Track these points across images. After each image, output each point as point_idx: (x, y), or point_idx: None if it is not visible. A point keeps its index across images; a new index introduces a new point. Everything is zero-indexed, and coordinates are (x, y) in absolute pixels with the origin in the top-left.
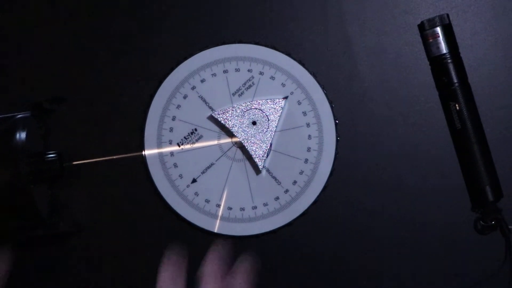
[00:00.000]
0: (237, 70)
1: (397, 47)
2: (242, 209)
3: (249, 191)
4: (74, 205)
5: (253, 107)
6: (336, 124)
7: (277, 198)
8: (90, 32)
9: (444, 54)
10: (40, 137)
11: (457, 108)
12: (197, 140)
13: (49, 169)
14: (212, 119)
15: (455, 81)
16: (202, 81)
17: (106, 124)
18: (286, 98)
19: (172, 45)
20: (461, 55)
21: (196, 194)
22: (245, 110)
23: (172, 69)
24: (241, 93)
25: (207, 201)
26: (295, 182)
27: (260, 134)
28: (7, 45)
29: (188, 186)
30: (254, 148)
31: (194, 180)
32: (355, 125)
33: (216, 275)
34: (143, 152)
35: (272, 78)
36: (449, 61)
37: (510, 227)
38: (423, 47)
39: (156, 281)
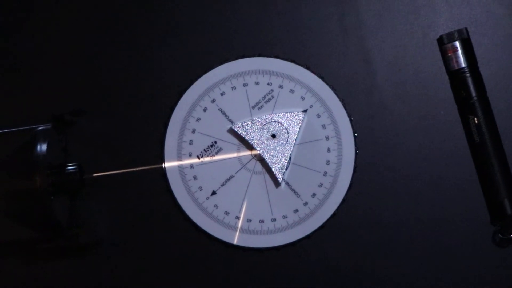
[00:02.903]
0: (257, 83)
1: (416, 61)
2: (262, 221)
3: (269, 203)
4: (94, 217)
5: (272, 120)
6: (355, 137)
7: (296, 211)
8: (111, 45)
9: (463, 68)
10: (60, 149)
11: (476, 121)
12: (216, 153)
13: (69, 181)
14: (232, 132)
15: (474, 94)
16: (222, 94)
17: (126, 137)
18: (305, 111)
19: (192, 58)
20: (480, 69)
21: (216, 206)
22: (264, 123)
23: (192, 82)
24: (261, 106)
25: (226, 213)
26: (314, 194)
27: (280, 147)
28: (28, 58)
29: (207, 198)
30: (273, 161)
31: (213, 193)
32: (374, 138)
33: None
34: (163, 165)
35: (292, 91)
36: (467, 75)
37: None
38: (442, 61)
39: None
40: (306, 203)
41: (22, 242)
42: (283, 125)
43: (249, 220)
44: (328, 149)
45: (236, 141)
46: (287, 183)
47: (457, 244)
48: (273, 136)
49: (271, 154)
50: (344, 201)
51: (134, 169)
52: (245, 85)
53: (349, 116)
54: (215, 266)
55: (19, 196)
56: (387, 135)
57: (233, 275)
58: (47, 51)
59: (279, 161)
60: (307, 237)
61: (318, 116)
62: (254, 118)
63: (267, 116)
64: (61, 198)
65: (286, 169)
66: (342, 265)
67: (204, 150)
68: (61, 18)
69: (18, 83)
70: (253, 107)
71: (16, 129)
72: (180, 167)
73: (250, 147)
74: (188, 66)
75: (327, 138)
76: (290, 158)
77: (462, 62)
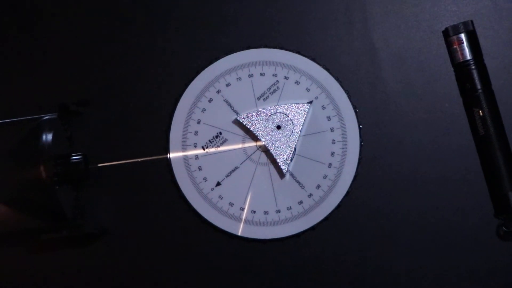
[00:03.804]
0: (262, 74)
1: (421, 53)
2: (266, 212)
3: (273, 194)
4: (98, 207)
5: (277, 111)
6: (360, 129)
7: (300, 202)
8: (117, 36)
9: (468, 60)
10: (65, 139)
11: (481, 114)
12: (221, 144)
13: (74, 170)
14: (237, 122)
15: (479, 87)
16: (227, 85)
17: (131, 127)
18: (310, 102)
19: (197, 49)
20: (485, 61)
21: (220, 197)
22: (269, 114)
23: (197, 72)
24: (266, 97)
25: (231, 204)
26: (318, 186)
27: (285, 138)
28: (34, 48)
29: (212, 189)
30: (278, 152)
31: (218, 183)
32: (379, 130)
33: None
34: (168, 155)
35: (297, 82)
36: (473, 67)
37: None
38: (447, 53)
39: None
40: (310, 195)
41: (26, 232)
42: (288, 116)
43: (253, 211)
44: (333, 140)
45: (241, 132)
46: (291, 174)
47: (461, 237)
48: (278, 127)
49: (276, 145)
50: (348, 193)
51: (139, 160)
52: (250, 76)
53: (354, 107)
54: (219, 257)
55: (24, 186)
56: (392, 127)
57: (237, 266)
58: (53, 41)
59: (284, 152)
60: (312, 228)
61: (323, 107)
62: (259, 109)
63: (272, 107)
64: (66, 188)
65: (291, 160)
66: (346, 257)
67: (209, 141)
68: (67, 8)
69: (23, 72)
70: (258, 98)
71: (22, 118)
72: (185, 158)
73: (255, 138)
74: (194, 57)
75: (332, 129)
76: (295, 149)
77: (468, 55)
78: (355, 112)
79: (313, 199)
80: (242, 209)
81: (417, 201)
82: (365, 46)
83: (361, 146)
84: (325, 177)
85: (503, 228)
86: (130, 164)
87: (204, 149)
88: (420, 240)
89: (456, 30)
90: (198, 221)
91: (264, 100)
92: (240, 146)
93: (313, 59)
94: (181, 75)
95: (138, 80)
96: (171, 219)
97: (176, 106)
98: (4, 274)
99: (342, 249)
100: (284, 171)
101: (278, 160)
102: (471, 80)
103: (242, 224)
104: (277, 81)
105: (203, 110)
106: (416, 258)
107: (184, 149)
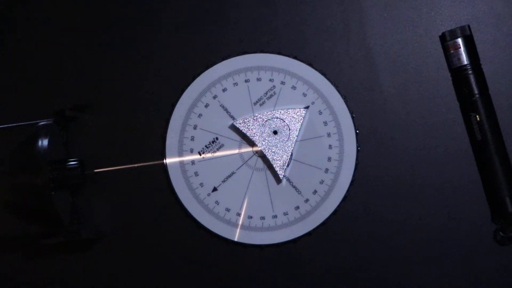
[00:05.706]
0: (259, 79)
1: (418, 58)
2: (263, 218)
3: (270, 200)
4: (95, 213)
5: (274, 117)
6: (356, 134)
7: (297, 208)
8: (113, 41)
9: (465, 65)
10: (62, 144)
11: (478, 119)
12: (218, 149)
13: (70, 176)
14: (233, 128)
15: (476, 92)
16: (224, 90)
17: (128, 132)
18: (307, 108)
19: (194, 54)
20: (482, 66)
21: (217, 202)
22: (266, 119)
23: (194, 78)
24: (263, 103)
25: (227, 209)
26: (315, 191)
27: (281, 143)
28: (30, 53)
29: (208, 194)
30: (274, 157)
31: (214, 189)
32: (375, 135)
33: None
34: (164, 161)
35: (294, 88)
36: (470, 72)
37: None
38: (444, 58)
39: None
40: (307, 200)
41: (23, 237)
42: (284, 121)
43: (250, 217)
44: (330, 146)
45: (237, 138)
46: (288, 179)
47: (458, 242)
48: (275, 132)
49: (273, 150)
50: (345, 198)
51: (135, 165)
52: (247, 81)
53: (351, 113)
54: (216, 263)
55: (20, 191)
56: (388, 132)
57: (233, 271)
58: (49, 47)
59: (281, 157)
60: (308, 234)
61: (320, 112)
62: (256, 115)
63: (269, 112)
64: (62, 194)
65: (288, 165)
66: (343, 262)
67: (206, 146)
68: (64, 13)
69: (20, 78)
70: (254, 104)
71: (18, 124)
72: (181, 163)
73: (251, 143)
74: (190, 62)
75: (328, 135)
76: (291, 154)
77: (465, 59)
78: (352, 117)
79: (310, 205)
80: (239, 214)
81: (414, 206)
82: (362, 51)
83: (357, 151)
84: (321, 182)
85: (500, 233)
86: (126, 169)
87: (200, 155)
88: (417, 245)
89: (453, 35)
90: (194, 227)
91: (260, 105)
92: (236, 151)
93: (310, 64)
94: (177, 80)
95: (134, 86)
96: (168, 225)
97: (172, 111)
98: (1, 279)
99: (339, 255)
100: (280, 176)
101: (274, 166)
102: (468, 85)
103: (238, 229)
104: (274, 86)
105: (200, 115)
106: (413, 263)
107: (180, 154)
